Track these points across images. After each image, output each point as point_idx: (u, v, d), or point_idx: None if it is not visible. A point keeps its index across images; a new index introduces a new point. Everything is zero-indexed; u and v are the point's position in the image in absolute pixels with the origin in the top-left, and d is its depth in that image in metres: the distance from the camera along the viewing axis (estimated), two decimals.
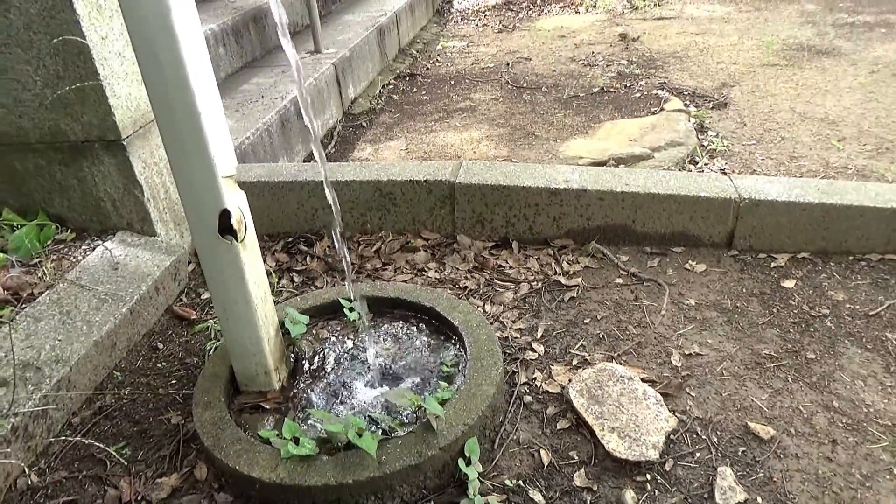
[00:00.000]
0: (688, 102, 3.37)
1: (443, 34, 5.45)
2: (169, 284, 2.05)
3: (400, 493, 1.31)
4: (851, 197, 1.97)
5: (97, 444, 1.52)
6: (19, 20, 1.79)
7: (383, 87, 4.15)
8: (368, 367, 1.63)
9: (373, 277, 2.10)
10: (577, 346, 1.74)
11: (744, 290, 1.92)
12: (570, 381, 1.59)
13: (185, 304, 2.06)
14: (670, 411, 1.49)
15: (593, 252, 2.12)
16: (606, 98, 3.56)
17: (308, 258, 2.23)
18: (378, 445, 1.30)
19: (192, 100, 1.17)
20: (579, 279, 2.01)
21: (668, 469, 1.37)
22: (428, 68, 4.48)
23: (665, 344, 1.73)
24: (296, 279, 2.14)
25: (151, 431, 1.57)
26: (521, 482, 1.37)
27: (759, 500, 1.30)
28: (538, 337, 1.78)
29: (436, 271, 2.11)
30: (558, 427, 1.49)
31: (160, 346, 1.88)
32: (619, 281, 2.00)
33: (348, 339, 1.74)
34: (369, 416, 1.46)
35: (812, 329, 1.75)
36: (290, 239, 2.32)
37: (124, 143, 1.95)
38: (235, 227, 1.30)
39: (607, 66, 4.10)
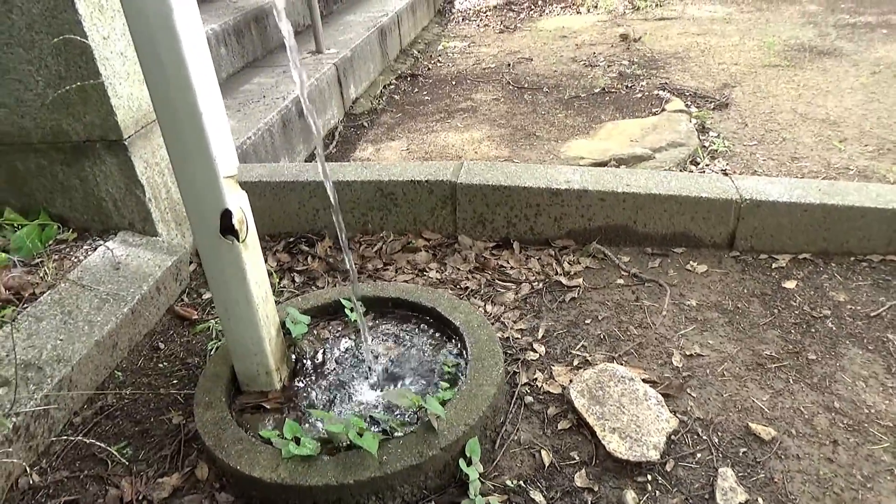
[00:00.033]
0: (689, 103, 3.37)
1: (444, 34, 5.45)
2: (170, 284, 2.05)
3: (401, 493, 1.32)
4: (853, 198, 1.97)
5: (98, 443, 1.52)
6: (21, 20, 1.79)
7: (384, 87, 4.15)
8: (369, 368, 1.63)
9: (374, 278, 2.10)
10: (578, 347, 1.74)
11: (745, 291, 1.92)
12: (571, 381, 1.59)
13: (187, 304, 2.06)
14: (671, 412, 1.49)
15: (594, 252, 2.12)
16: (608, 98, 3.56)
17: (309, 258, 2.23)
18: (379, 445, 1.30)
19: (193, 100, 1.17)
20: (580, 280, 2.01)
21: (668, 470, 1.37)
22: (429, 68, 4.48)
23: (666, 345, 1.73)
24: (297, 279, 2.15)
25: (153, 431, 1.57)
26: (521, 482, 1.37)
27: (760, 500, 1.30)
28: (539, 337, 1.78)
29: (437, 271, 2.11)
30: (559, 427, 1.49)
31: (161, 346, 1.88)
32: (621, 281, 2.00)
33: (349, 339, 1.74)
34: (370, 416, 1.46)
35: (813, 330, 1.75)
36: (292, 239, 2.32)
37: (126, 143, 1.96)
38: (237, 227, 1.30)
39: (609, 66, 4.10)
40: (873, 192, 1.99)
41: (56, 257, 1.99)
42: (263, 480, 1.28)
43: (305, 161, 3.13)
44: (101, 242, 2.07)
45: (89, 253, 2.02)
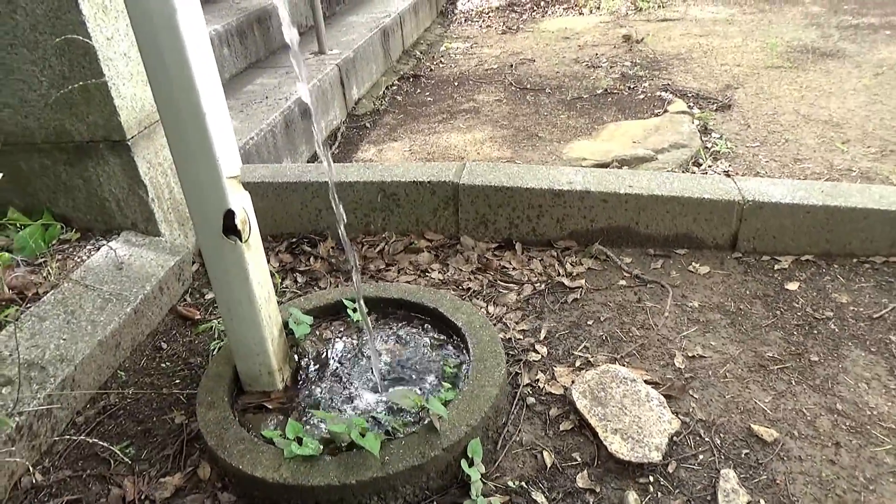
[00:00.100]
0: (691, 104, 3.37)
1: (446, 35, 5.45)
2: (173, 284, 2.05)
3: (403, 493, 1.32)
4: (855, 199, 1.97)
5: (101, 443, 1.53)
6: (25, 21, 1.79)
7: (387, 88, 4.16)
8: (372, 368, 1.63)
9: (376, 278, 2.11)
10: (580, 348, 1.74)
11: (747, 293, 1.92)
12: (573, 382, 1.59)
13: (189, 304, 2.06)
14: (673, 413, 1.49)
15: (596, 254, 2.12)
16: (610, 100, 3.56)
17: (311, 259, 2.23)
18: (381, 446, 1.30)
19: (197, 100, 1.17)
20: (582, 281, 2.01)
21: (670, 471, 1.37)
22: (432, 69, 4.49)
23: (668, 346, 1.73)
24: (299, 280, 2.15)
25: (155, 431, 1.58)
26: (523, 483, 1.37)
27: (762, 502, 1.29)
28: (541, 338, 1.78)
29: (439, 272, 2.11)
30: (561, 428, 1.49)
31: (164, 345, 1.88)
32: (623, 283, 2.00)
33: (351, 339, 1.74)
34: (372, 416, 1.46)
35: (816, 331, 1.75)
36: (294, 239, 2.33)
37: (129, 143, 1.96)
38: (240, 227, 1.31)
39: (611, 67, 4.10)
40: (876, 194, 1.99)
41: (59, 257, 2.00)
42: (265, 480, 1.28)
43: (308, 162, 3.13)
44: (104, 242, 2.07)
45: (92, 253, 2.02)
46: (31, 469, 1.46)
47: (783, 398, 1.54)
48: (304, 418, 1.48)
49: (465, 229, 2.25)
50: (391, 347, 1.70)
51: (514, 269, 2.09)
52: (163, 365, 1.81)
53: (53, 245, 2.06)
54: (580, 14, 5.68)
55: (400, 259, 2.18)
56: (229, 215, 1.29)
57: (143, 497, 1.39)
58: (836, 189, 2.04)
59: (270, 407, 1.52)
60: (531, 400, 1.58)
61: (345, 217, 1.40)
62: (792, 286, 1.92)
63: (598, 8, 5.75)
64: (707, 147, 2.88)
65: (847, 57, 3.87)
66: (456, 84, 4.10)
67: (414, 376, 1.60)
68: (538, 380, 1.63)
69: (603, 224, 2.13)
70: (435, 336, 1.73)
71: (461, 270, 2.11)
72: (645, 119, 3.22)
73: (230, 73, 3.41)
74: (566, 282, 2.01)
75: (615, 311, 1.88)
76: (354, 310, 1.76)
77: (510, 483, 1.37)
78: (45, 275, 1.89)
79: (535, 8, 6.03)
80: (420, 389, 1.55)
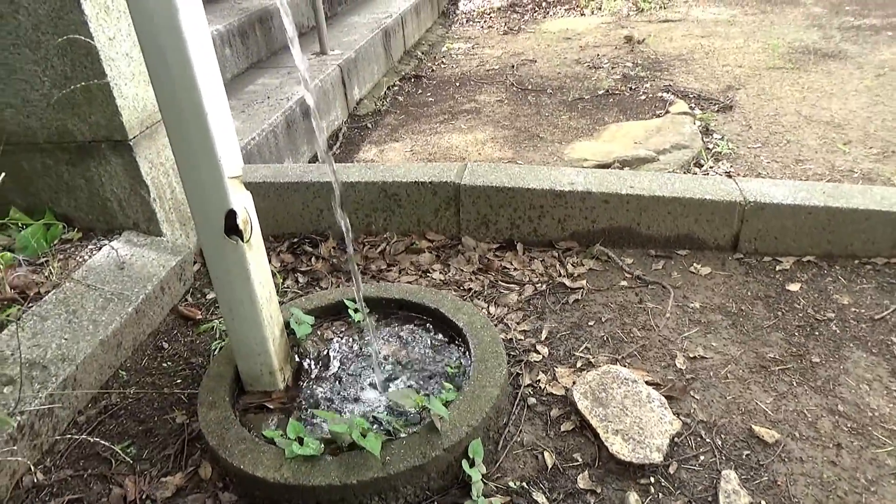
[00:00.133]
0: (693, 105, 3.37)
1: (448, 36, 5.45)
2: (174, 284, 2.05)
3: (404, 493, 1.32)
4: (857, 200, 1.97)
5: (102, 442, 1.53)
6: (28, 21, 1.80)
7: (388, 88, 4.16)
8: (373, 368, 1.63)
9: (377, 278, 2.11)
10: (581, 349, 1.74)
11: (749, 294, 1.91)
12: (574, 383, 1.59)
13: (191, 304, 2.06)
14: (674, 414, 1.49)
15: (598, 254, 2.12)
16: (611, 100, 3.56)
17: (313, 259, 2.24)
18: (382, 446, 1.30)
19: (199, 100, 1.17)
20: (584, 281, 2.01)
21: (672, 472, 1.37)
22: (433, 70, 4.49)
23: (669, 347, 1.73)
24: (300, 280, 2.15)
25: (156, 430, 1.58)
26: (524, 484, 1.37)
27: (763, 503, 1.29)
28: (542, 339, 1.78)
29: (440, 273, 2.11)
30: (562, 429, 1.49)
31: (165, 345, 1.88)
32: (624, 283, 2.00)
33: (353, 339, 1.74)
34: (373, 416, 1.46)
35: (817, 333, 1.75)
36: (296, 240, 2.33)
37: (131, 143, 1.96)
38: (241, 227, 1.31)
39: (612, 68, 4.10)
40: (878, 195, 1.99)
41: (61, 257, 2.00)
42: (267, 480, 1.28)
43: (309, 162, 3.13)
44: (106, 242, 2.07)
45: (94, 252, 2.02)
46: (32, 468, 1.46)
47: (784, 399, 1.54)
48: (306, 418, 1.49)
49: (467, 230, 2.25)
50: (392, 348, 1.70)
51: (515, 269, 2.09)
52: (164, 365, 1.81)
53: (55, 245, 2.06)
54: (582, 15, 5.68)
55: (401, 259, 2.18)
56: (231, 215, 1.30)
57: (144, 496, 1.40)
58: (837, 190, 2.04)
59: (272, 407, 1.52)
60: (532, 400, 1.58)
61: (350, 229, 1.40)
62: (793, 287, 1.92)
63: (600, 9, 5.75)
64: (708, 148, 2.88)
65: (849, 58, 3.86)
66: (457, 84, 4.10)
67: (415, 376, 1.60)
68: (539, 380, 1.63)
69: (604, 225, 2.13)
70: (436, 336, 1.73)
71: (462, 271, 2.11)
72: (646, 120, 3.22)
73: (232, 74, 3.42)
74: (567, 282, 2.01)
75: (616, 311, 1.88)
76: (356, 310, 1.77)
77: (511, 483, 1.37)
78: (46, 274, 1.90)
79: (537, 9, 6.04)
80: (421, 390, 1.55)
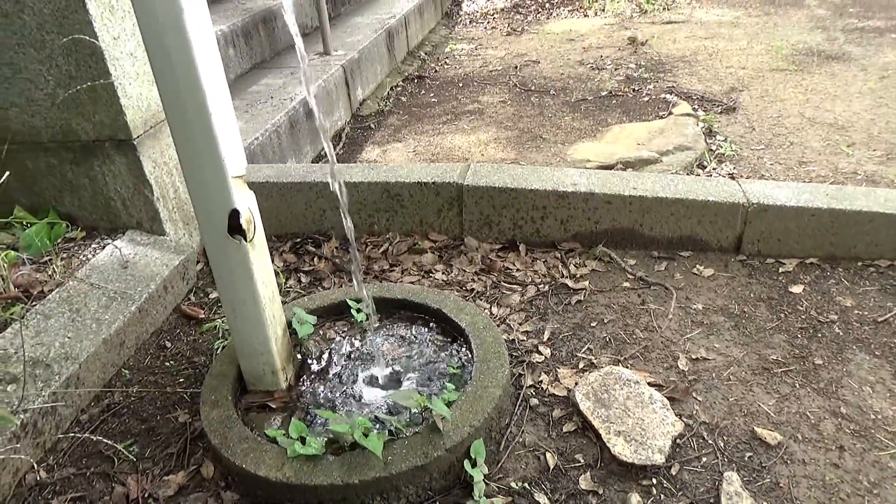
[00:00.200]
0: (696, 106, 3.37)
1: (451, 37, 5.46)
2: (177, 283, 2.06)
3: (405, 493, 1.32)
4: (861, 203, 1.97)
5: (105, 441, 1.53)
6: (32, 20, 1.80)
7: (391, 88, 4.16)
8: (375, 368, 1.64)
9: (380, 279, 2.11)
10: (583, 350, 1.74)
11: (751, 295, 1.91)
12: (576, 384, 1.59)
13: (194, 303, 2.07)
14: (677, 415, 1.48)
15: (600, 255, 2.12)
16: (614, 102, 3.56)
17: (316, 259, 2.24)
18: (384, 446, 1.30)
19: (203, 100, 1.18)
20: (586, 282, 2.01)
21: (674, 473, 1.37)
22: (436, 70, 4.49)
23: (672, 348, 1.73)
24: (303, 279, 2.15)
25: (159, 429, 1.58)
26: (526, 484, 1.37)
27: None
28: (545, 340, 1.78)
29: (443, 273, 2.11)
30: (564, 430, 1.49)
31: (168, 344, 1.89)
32: (627, 285, 2.00)
33: (355, 339, 1.74)
34: (375, 416, 1.47)
35: (820, 335, 1.74)
36: (298, 239, 2.33)
37: (135, 142, 1.97)
38: (244, 226, 1.31)
39: (616, 69, 4.10)
40: (881, 197, 1.99)
41: (64, 255, 2.01)
42: (269, 479, 1.28)
43: (312, 162, 3.14)
44: (110, 241, 2.08)
45: (97, 251, 2.03)
46: (35, 466, 1.47)
47: (787, 401, 1.54)
48: (308, 418, 1.49)
49: (469, 230, 2.25)
50: (395, 348, 1.70)
51: (517, 270, 2.09)
52: (167, 364, 1.81)
53: (59, 243, 2.07)
54: (585, 16, 5.68)
55: (404, 260, 2.18)
56: (234, 215, 1.30)
57: (146, 495, 1.40)
58: (841, 192, 2.03)
59: (274, 406, 1.52)
60: (534, 401, 1.58)
61: (353, 230, 1.40)
62: (796, 289, 1.92)
63: (603, 10, 5.75)
64: (712, 149, 2.87)
65: (852, 60, 3.86)
66: (460, 85, 4.10)
67: (417, 376, 1.60)
68: (541, 381, 1.63)
69: (607, 226, 2.13)
70: (438, 337, 1.73)
71: (465, 271, 2.11)
72: (649, 121, 3.22)
73: (235, 74, 3.42)
74: (570, 283, 2.01)
75: (619, 312, 1.88)
76: (358, 310, 1.77)
77: (513, 484, 1.37)
78: (50, 273, 1.90)
79: (540, 10, 6.04)
80: (423, 390, 1.55)
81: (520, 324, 1.85)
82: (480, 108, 3.65)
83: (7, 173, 1.97)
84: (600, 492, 1.34)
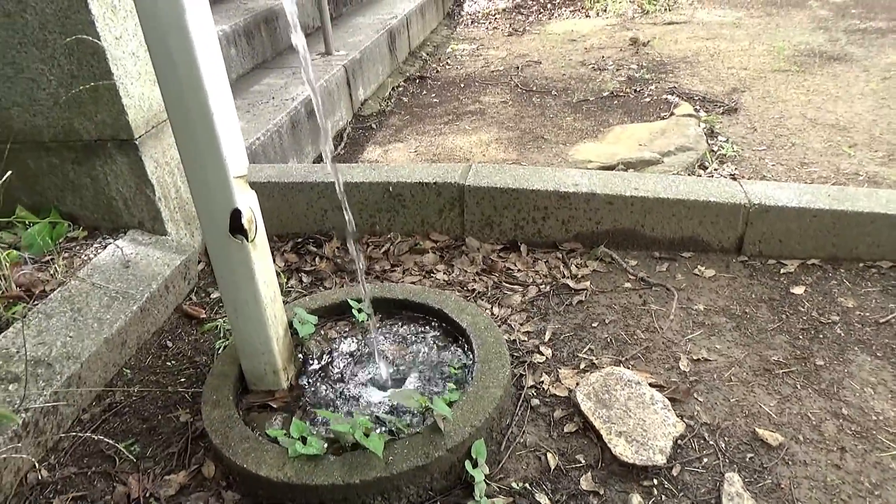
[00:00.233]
0: (698, 107, 3.36)
1: (453, 37, 5.46)
2: (179, 283, 2.06)
3: (406, 493, 1.32)
4: (862, 204, 1.96)
5: (106, 440, 1.53)
6: (35, 20, 1.81)
7: (393, 89, 4.17)
8: (376, 368, 1.64)
9: (381, 279, 2.11)
10: (584, 350, 1.74)
11: (753, 296, 1.91)
12: (577, 384, 1.59)
13: (195, 302, 2.07)
14: (678, 416, 1.48)
15: (602, 256, 2.12)
16: (616, 102, 3.56)
17: (317, 259, 2.24)
18: (385, 446, 1.30)
19: (205, 100, 1.18)
20: (588, 283, 2.01)
21: (675, 474, 1.37)
22: (438, 71, 4.49)
23: (673, 349, 1.73)
24: (304, 279, 2.15)
25: (160, 429, 1.58)
26: (527, 485, 1.37)
27: None
28: (546, 340, 1.78)
29: (444, 273, 2.11)
30: (565, 430, 1.49)
31: (170, 344, 1.89)
32: (628, 285, 2.00)
33: (356, 339, 1.74)
34: (376, 416, 1.47)
35: (821, 336, 1.74)
36: (300, 239, 2.33)
37: (137, 142, 1.97)
38: (246, 226, 1.31)
39: (617, 70, 4.10)
40: (883, 198, 1.99)
41: (66, 255, 2.01)
42: (270, 479, 1.28)
43: (314, 162, 3.14)
44: (111, 241, 2.08)
45: (99, 251, 2.03)
46: (36, 465, 1.47)
47: (788, 402, 1.54)
48: (309, 418, 1.49)
49: (471, 230, 2.25)
50: (396, 348, 1.70)
51: (519, 270, 2.09)
52: (168, 363, 1.82)
53: (61, 243, 2.07)
54: (586, 17, 5.68)
55: (405, 260, 2.18)
56: (236, 215, 1.30)
57: (147, 494, 1.40)
58: (842, 193, 2.03)
59: (275, 406, 1.52)
60: (535, 402, 1.58)
61: (355, 228, 1.40)
62: (798, 290, 1.92)
63: (605, 11, 5.75)
64: (713, 150, 2.87)
65: (854, 61, 3.86)
66: (462, 86, 4.10)
67: (418, 377, 1.60)
68: (542, 381, 1.63)
69: (608, 226, 2.13)
70: (440, 337, 1.73)
71: (466, 272, 2.11)
72: (651, 122, 3.22)
73: (237, 74, 3.43)
74: (571, 284, 2.01)
75: (620, 313, 1.88)
76: (360, 310, 1.77)
77: (514, 484, 1.37)
78: (52, 272, 1.90)
79: (542, 10, 6.04)
80: (424, 390, 1.56)
81: (521, 324, 1.85)
82: (482, 108, 3.65)
83: (9, 173, 1.97)
84: (601, 492, 1.34)
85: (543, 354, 1.73)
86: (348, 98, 3.63)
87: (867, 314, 1.81)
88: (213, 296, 2.10)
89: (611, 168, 2.71)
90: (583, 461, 1.41)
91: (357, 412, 1.50)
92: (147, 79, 1.99)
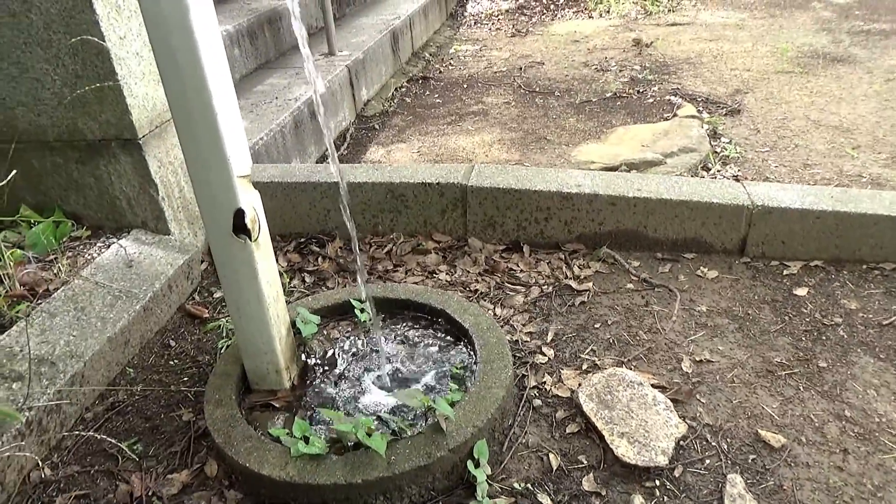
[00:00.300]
0: (701, 109, 3.36)
1: (456, 38, 5.46)
2: (182, 283, 2.06)
3: (408, 493, 1.32)
4: (865, 205, 1.96)
5: (109, 439, 1.54)
6: (39, 20, 1.81)
7: (396, 89, 4.17)
8: (378, 368, 1.64)
9: (384, 279, 2.11)
10: (587, 351, 1.74)
11: (755, 298, 1.91)
12: (579, 385, 1.59)
13: (198, 302, 2.07)
14: (680, 417, 1.48)
15: (604, 257, 2.12)
16: (619, 103, 3.56)
17: (320, 259, 2.24)
18: (387, 446, 1.30)
19: (209, 100, 1.18)
20: (590, 284, 2.01)
21: (677, 475, 1.37)
22: (441, 71, 4.50)
23: (676, 350, 1.73)
24: (307, 279, 2.16)
25: (163, 428, 1.59)
26: (529, 485, 1.37)
27: None
28: (548, 341, 1.78)
29: (447, 274, 2.11)
30: (567, 431, 1.49)
31: (172, 343, 1.89)
32: (630, 286, 2.00)
33: (359, 339, 1.74)
34: (379, 416, 1.47)
35: (824, 337, 1.74)
36: (303, 239, 2.34)
37: (140, 142, 1.98)
38: (249, 226, 1.31)
39: (620, 71, 4.10)
40: (886, 200, 1.98)
41: (70, 254, 2.01)
42: (272, 478, 1.29)
43: (317, 162, 3.14)
44: (115, 240, 2.09)
45: (103, 250, 2.04)
46: (40, 464, 1.47)
47: (791, 404, 1.54)
48: (311, 417, 1.49)
49: (473, 231, 2.25)
50: (398, 348, 1.70)
51: (521, 271, 2.09)
52: (171, 362, 1.82)
53: (64, 242, 2.08)
54: (590, 17, 5.68)
55: (408, 260, 2.18)
56: (239, 214, 1.30)
57: (150, 493, 1.40)
58: (845, 195, 2.03)
59: (277, 405, 1.52)
60: (538, 402, 1.58)
61: (356, 232, 1.41)
62: (801, 292, 1.92)
63: (608, 12, 5.75)
64: (716, 151, 2.87)
65: (858, 62, 3.85)
66: (465, 86, 4.10)
67: (421, 377, 1.60)
68: (545, 382, 1.63)
69: (611, 227, 2.13)
70: (442, 337, 1.73)
71: (469, 272, 2.11)
72: (654, 123, 3.21)
73: (241, 74, 3.43)
74: (574, 285, 2.01)
75: (622, 314, 1.88)
76: (362, 310, 1.77)
77: (516, 485, 1.37)
78: (55, 271, 1.91)
79: (545, 11, 6.04)
80: (426, 390, 1.56)
81: (523, 325, 1.85)
82: (485, 109, 3.65)
83: (13, 172, 1.98)
84: (603, 493, 1.34)
85: (546, 355, 1.73)
86: (351, 98, 3.64)
87: (870, 316, 1.80)
88: (216, 295, 2.10)
89: (613, 169, 2.71)
90: (585, 462, 1.41)
91: (359, 412, 1.50)
92: (151, 79, 1.99)
